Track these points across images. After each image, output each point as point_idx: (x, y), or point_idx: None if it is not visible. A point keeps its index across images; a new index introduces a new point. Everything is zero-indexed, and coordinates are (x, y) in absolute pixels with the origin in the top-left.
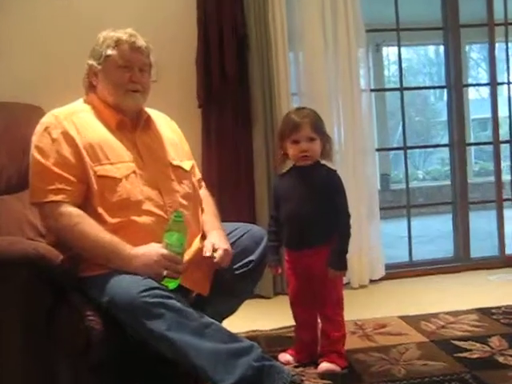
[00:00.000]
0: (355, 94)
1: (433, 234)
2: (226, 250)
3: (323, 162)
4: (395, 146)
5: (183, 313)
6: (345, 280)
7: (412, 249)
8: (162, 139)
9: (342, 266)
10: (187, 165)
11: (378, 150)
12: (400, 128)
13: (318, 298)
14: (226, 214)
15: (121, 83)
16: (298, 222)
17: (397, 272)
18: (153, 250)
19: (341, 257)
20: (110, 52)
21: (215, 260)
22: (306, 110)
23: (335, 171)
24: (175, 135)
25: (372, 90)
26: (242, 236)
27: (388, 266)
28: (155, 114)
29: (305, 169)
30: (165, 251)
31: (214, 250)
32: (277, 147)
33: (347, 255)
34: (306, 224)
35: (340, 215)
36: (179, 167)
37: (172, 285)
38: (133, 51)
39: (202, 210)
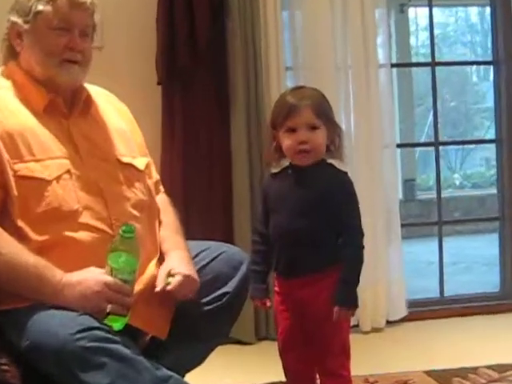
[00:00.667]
0: (371, 69)
1: (473, 260)
2: (187, 277)
3: (330, 160)
4: (424, 140)
5: (132, 362)
6: (353, 321)
7: (444, 280)
8: (106, 127)
9: (350, 302)
10: (141, 162)
11: (400, 145)
12: (430, 117)
13: (316, 345)
14: (192, 228)
15: (55, 51)
16: (289, 240)
17: (423, 311)
18: (93, 276)
19: (349, 289)
20: (41, 7)
21: (168, 288)
22: (307, 90)
23: (346, 173)
24: (125, 122)
25: (394, 66)
26: (214, 259)
27: (411, 303)
28: (98, 93)
29: (304, 168)
30: (109, 278)
31: (172, 276)
32: (268, 138)
33: (358, 287)
34: (300, 243)
35: (350, 233)
36: (130, 165)
37: (118, 324)
38: (73, 8)
39: (160, 223)
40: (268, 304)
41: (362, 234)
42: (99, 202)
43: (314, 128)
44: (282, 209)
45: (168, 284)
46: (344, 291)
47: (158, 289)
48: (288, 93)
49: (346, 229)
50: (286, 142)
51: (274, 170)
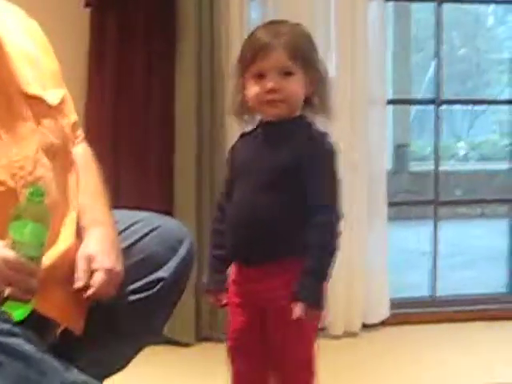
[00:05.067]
0: (359, 1)
1: (475, 251)
2: (109, 272)
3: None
4: (422, 97)
5: (36, 362)
6: (321, 323)
7: (437, 276)
8: (8, 49)
9: (315, 298)
10: (53, 96)
11: (391, 102)
12: (432, 67)
13: (274, 354)
14: (121, 194)
15: None
16: (248, 220)
17: (409, 313)
18: None
19: (315, 283)
20: None
21: (89, 293)
22: (285, 25)
23: (326, 135)
24: (35, 44)
25: None
26: (147, 235)
27: (395, 303)
28: None
29: (274, 127)
30: (10, 254)
31: (90, 272)
32: (235, 86)
33: (327, 282)
34: (260, 225)
35: (320, 212)
36: (38, 99)
37: (19, 313)
38: None
39: (77, 182)
40: (223, 301)
41: (337, 216)
42: None
43: (287, 74)
44: (244, 179)
45: (87, 288)
46: (308, 285)
47: (79, 284)
48: (260, 28)
49: (315, 207)
50: (252, 89)
51: (246, 129)
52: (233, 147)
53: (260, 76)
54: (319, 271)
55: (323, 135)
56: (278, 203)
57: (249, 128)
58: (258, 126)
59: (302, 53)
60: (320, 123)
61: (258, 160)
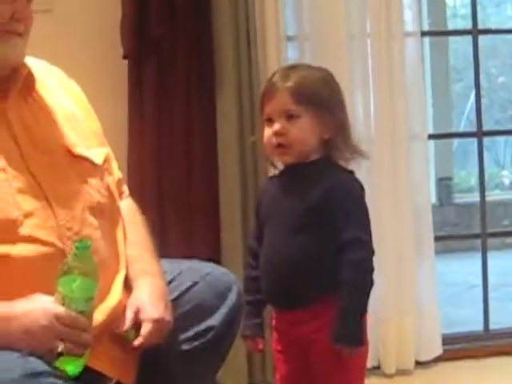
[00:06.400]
0: (396, 39)
1: None
2: (157, 323)
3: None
4: (464, 125)
5: None
6: (372, 362)
7: (489, 308)
8: (52, 111)
9: (355, 337)
10: (98, 154)
11: (432, 136)
12: (472, 97)
13: None
14: (168, 243)
15: None
16: (278, 264)
17: (463, 349)
18: (40, 306)
19: (353, 321)
20: None
21: (136, 343)
22: (301, 68)
23: (351, 173)
24: (77, 104)
25: (425, 34)
26: (196, 284)
27: (448, 339)
28: (40, 69)
29: (299, 169)
30: (60, 309)
31: (137, 325)
32: (260, 127)
33: (362, 318)
34: (294, 270)
35: (351, 249)
36: (84, 158)
37: (72, 368)
38: None
39: (125, 238)
40: (260, 346)
41: (369, 251)
42: (44, 206)
43: (291, 117)
44: (272, 223)
45: (133, 340)
46: (344, 324)
47: (118, 330)
48: (277, 71)
49: (347, 244)
50: (265, 133)
51: (275, 171)
52: (261, 191)
53: (269, 120)
54: (356, 309)
55: (347, 172)
56: (307, 245)
57: (276, 171)
58: (284, 170)
59: (309, 96)
60: (355, 164)
61: (285, 203)
